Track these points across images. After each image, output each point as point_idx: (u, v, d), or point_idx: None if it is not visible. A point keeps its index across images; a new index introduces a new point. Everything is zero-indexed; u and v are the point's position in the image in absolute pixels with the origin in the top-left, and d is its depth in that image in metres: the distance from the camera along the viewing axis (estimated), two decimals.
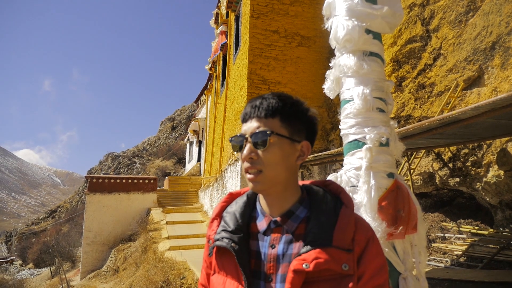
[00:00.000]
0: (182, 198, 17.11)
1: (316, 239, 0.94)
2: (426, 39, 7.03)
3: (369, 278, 0.94)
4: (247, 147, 1.00)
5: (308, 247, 0.93)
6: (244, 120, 1.04)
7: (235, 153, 1.05)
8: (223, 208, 1.13)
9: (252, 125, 1.01)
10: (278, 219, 1.01)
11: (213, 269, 1.06)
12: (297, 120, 1.03)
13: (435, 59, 6.76)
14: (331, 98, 2.08)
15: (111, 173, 39.08)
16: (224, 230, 1.03)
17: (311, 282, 0.91)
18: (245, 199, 1.10)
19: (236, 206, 1.09)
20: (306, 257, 0.91)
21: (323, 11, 2.18)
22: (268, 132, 0.98)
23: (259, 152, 0.98)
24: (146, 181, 16.43)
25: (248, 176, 0.99)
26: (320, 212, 0.99)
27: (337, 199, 1.03)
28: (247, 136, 1.01)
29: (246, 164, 1.00)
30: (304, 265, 0.90)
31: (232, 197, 1.16)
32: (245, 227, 1.04)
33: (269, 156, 0.98)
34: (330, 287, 0.91)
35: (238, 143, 1.02)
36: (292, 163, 1.02)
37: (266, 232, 1.02)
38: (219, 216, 1.11)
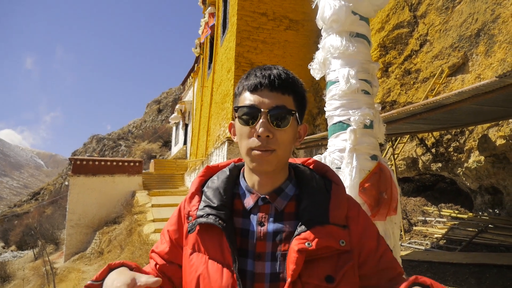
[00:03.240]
0: (167, 181, 17.03)
1: (313, 217, 0.92)
2: (413, 25, 7.04)
3: (377, 245, 0.98)
4: (263, 122, 0.90)
5: (307, 226, 0.91)
6: (255, 89, 0.93)
7: (244, 126, 0.93)
8: (201, 183, 1.07)
9: (268, 98, 0.92)
10: (267, 196, 0.98)
11: (192, 247, 0.99)
12: (304, 101, 1.00)
13: (421, 45, 6.79)
14: (317, 79, 2.06)
15: (95, 155, 38.59)
16: (208, 206, 0.97)
17: (310, 261, 0.89)
18: (227, 174, 1.05)
19: (218, 181, 1.03)
20: (307, 236, 0.89)
21: None
22: (292, 112, 0.94)
23: (275, 130, 0.91)
24: (131, 164, 16.27)
25: (256, 153, 0.91)
26: (312, 191, 0.97)
27: (324, 178, 1.03)
28: (263, 110, 0.91)
29: (257, 142, 0.91)
30: (306, 244, 0.88)
31: (209, 170, 1.10)
32: (229, 203, 0.99)
33: (285, 136, 0.93)
34: (329, 264, 0.90)
35: (249, 115, 0.92)
36: (293, 145, 1.00)
37: (252, 210, 0.98)
38: (199, 191, 1.05)
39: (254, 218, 0.97)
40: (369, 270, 0.95)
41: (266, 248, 0.94)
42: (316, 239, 0.89)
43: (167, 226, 1.11)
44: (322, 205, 0.95)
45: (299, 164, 1.08)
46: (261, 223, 0.96)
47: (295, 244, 0.89)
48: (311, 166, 1.08)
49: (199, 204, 1.01)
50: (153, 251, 1.11)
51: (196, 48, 18.16)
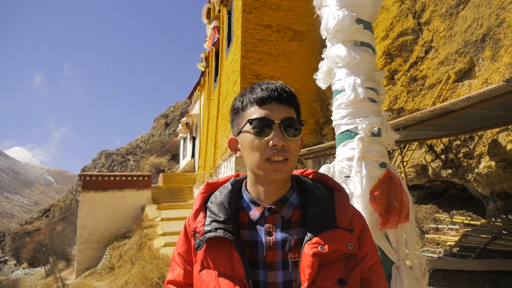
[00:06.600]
0: (176, 194, 17.06)
1: (322, 222, 0.95)
2: (418, 32, 7.05)
3: (371, 256, 1.01)
4: (278, 133, 0.95)
5: (317, 231, 0.94)
6: (263, 102, 0.97)
7: (257, 138, 0.96)
8: (204, 199, 1.08)
9: (278, 110, 0.97)
10: (273, 206, 1.00)
11: (200, 264, 1.00)
12: (300, 113, 1.06)
13: (426, 52, 6.79)
14: (323, 88, 2.08)
15: (104, 170, 38.88)
16: (215, 221, 0.98)
17: (322, 265, 0.91)
18: (230, 189, 1.06)
19: (222, 196, 1.04)
20: (319, 241, 0.92)
21: (314, 2, 2.18)
22: (303, 122, 1.00)
23: (288, 140, 0.96)
24: (140, 178, 16.35)
25: (274, 164, 0.94)
26: (317, 198, 1.00)
27: (325, 186, 1.07)
28: (276, 121, 0.95)
29: (272, 151, 0.95)
30: (319, 248, 0.90)
31: (209, 187, 1.12)
32: (235, 217, 1.01)
33: (295, 146, 0.98)
34: (339, 267, 0.93)
35: (263, 127, 0.95)
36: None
37: (258, 221, 1.00)
38: (203, 207, 1.06)
39: (261, 229, 0.99)
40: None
41: (277, 257, 0.96)
42: (328, 243, 0.92)
43: (177, 249, 1.11)
44: (328, 211, 0.98)
45: (299, 175, 1.12)
46: (269, 233, 0.98)
47: (308, 249, 0.91)
48: (310, 176, 1.12)
49: (205, 220, 1.02)
50: (168, 282, 1.10)
51: (201, 62, 18.34)
